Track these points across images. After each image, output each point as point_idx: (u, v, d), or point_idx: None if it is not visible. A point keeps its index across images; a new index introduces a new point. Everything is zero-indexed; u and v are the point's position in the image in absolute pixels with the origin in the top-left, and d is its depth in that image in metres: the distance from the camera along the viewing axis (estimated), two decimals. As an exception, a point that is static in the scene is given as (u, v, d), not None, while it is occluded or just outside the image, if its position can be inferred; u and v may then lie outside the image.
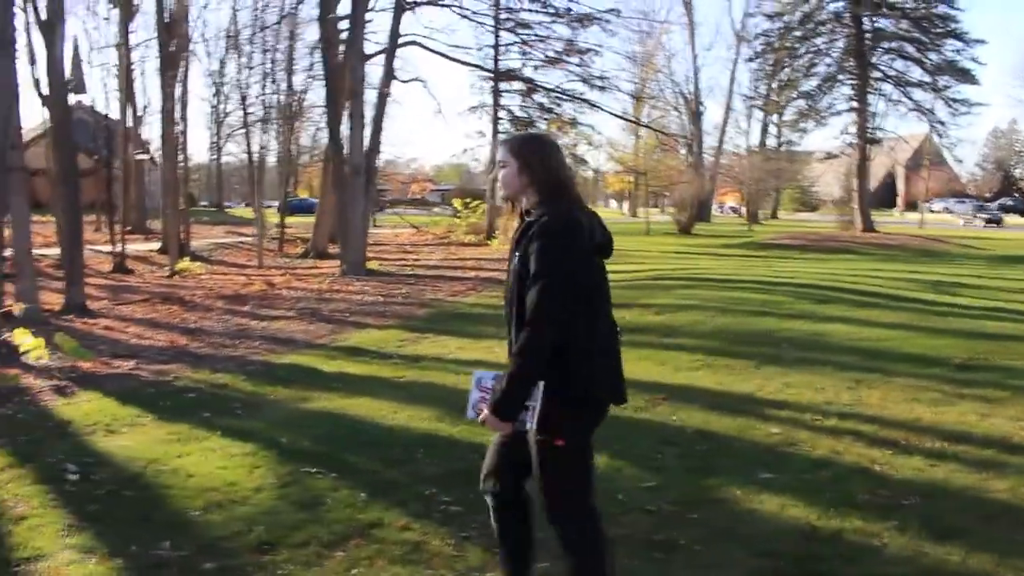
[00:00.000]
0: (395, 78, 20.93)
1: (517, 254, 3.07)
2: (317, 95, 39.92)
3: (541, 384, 2.99)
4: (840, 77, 36.48)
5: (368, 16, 20.87)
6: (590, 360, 3.06)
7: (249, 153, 44.37)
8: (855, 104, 37.08)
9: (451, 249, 29.07)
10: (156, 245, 31.17)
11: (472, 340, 10.72)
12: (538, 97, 30.60)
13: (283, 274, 21.52)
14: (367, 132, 20.42)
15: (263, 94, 37.19)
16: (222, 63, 48.65)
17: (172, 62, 29.39)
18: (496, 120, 31.32)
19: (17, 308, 11.06)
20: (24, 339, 9.18)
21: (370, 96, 21.72)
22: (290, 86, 32.17)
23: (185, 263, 24.63)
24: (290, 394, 7.79)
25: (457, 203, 34.00)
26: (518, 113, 31.07)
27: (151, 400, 7.61)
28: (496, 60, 29.87)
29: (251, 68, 43.20)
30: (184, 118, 30.27)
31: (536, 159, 3.16)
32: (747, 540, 4.40)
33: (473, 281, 18.15)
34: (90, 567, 4.07)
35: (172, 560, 4.15)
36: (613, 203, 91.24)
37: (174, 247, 25.32)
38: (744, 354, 9.30)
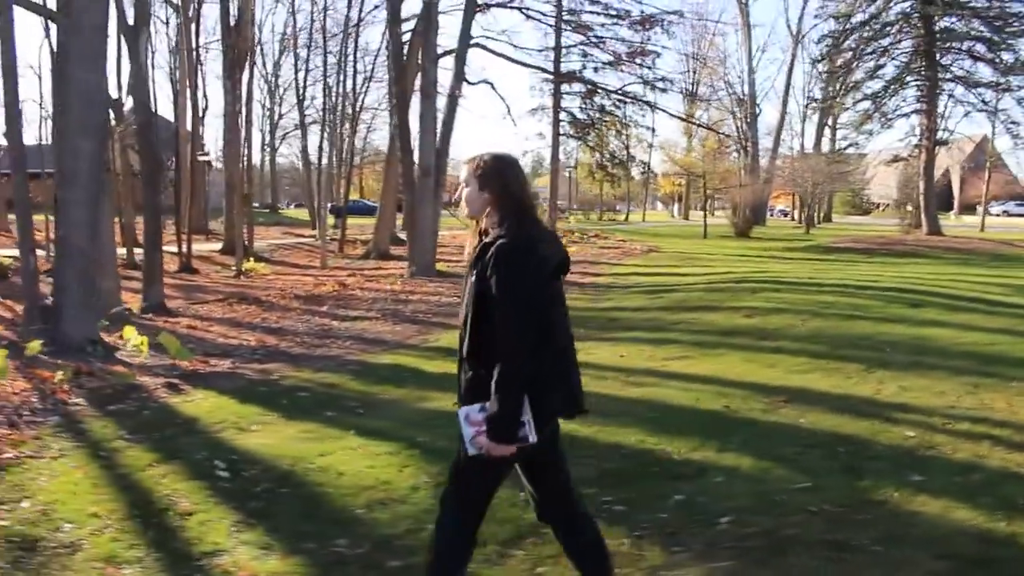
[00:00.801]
0: (465, 80, 20.96)
1: (475, 272, 3.09)
2: (370, 97, 40.43)
3: (527, 398, 3.04)
4: (907, 78, 35.90)
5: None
6: (548, 379, 3.12)
7: (305, 154, 44.92)
8: (922, 105, 36.42)
9: (512, 251, 29.03)
10: (216, 245, 31.57)
11: (566, 341, 10.66)
12: (599, 99, 30.49)
13: (351, 275, 21.67)
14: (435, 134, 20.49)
15: (319, 96, 37.60)
16: (276, 65, 49.21)
17: (237, 65, 29.75)
18: (557, 122, 31.26)
19: (135, 306, 11.24)
20: (131, 337, 9.31)
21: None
22: (353, 88, 32.35)
23: (251, 263, 24.94)
24: (405, 394, 7.82)
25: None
26: (578, 115, 31.01)
27: (268, 399, 7.68)
28: (557, 62, 29.79)
29: (308, 71, 43.75)
30: (248, 120, 30.48)
31: (495, 179, 3.17)
32: (921, 542, 4.32)
33: (547, 283, 18.09)
34: (272, 563, 4.09)
35: (352, 557, 4.16)
36: (660, 206, 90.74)
37: (240, 248, 25.60)
38: (851, 358, 9.17)
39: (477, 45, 24.79)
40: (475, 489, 3.29)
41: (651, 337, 10.76)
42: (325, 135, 38.26)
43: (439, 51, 23.06)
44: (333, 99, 34.07)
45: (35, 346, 8.70)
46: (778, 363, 8.94)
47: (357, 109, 38.44)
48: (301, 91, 44.10)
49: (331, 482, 5.18)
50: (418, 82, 21.56)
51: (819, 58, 38.87)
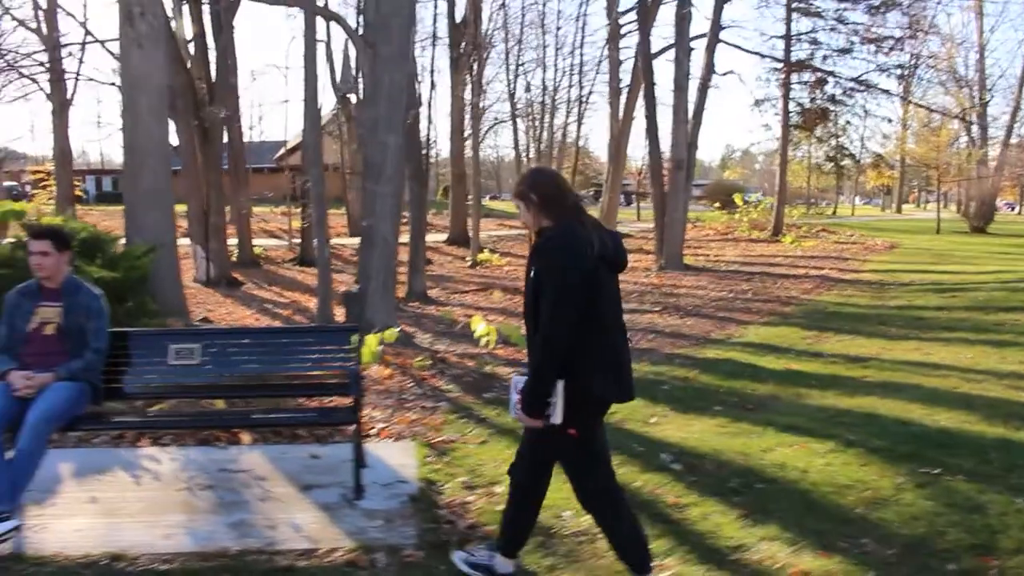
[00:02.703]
0: (714, 71, 20.62)
1: (533, 268, 3.48)
2: (565, 92, 40.61)
3: (561, 383, 3.39)
4: None
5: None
6: (591, 365, 3.43)
7: (516, 147, 45.47)
8: None
9: (742, 245, 28.51)
10: (435, 236, 32.33)
11: (888, 341, 10.29)
12: (829, 88, 29.43)
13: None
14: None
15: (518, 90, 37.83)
16: (481, 60, 50.02)
17: (462, 61, 30.40)
18: (787, 113, 30.34)
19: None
20: (479, 326, 9.57)
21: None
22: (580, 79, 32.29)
23: (485, 254, 25.45)
24: (773, 389, 7.68)
25: (738, 199, 33.49)
26: (807, 105, 29.98)
27: (639, 390, 7.27)
28: (788, 51, 28.93)
29: (521, 64, 44.34)
30: (477, 116, 31.04)
31: (530, 193, 3.57)
32: None
33: (815, 279, 17.60)
34: (809, 559, 4.02)
35: (888, 558, 4.05)
36: (856, 199, 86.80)
37: (475, 239, 26.21)
38: None
39: (702, 36, 24.38)
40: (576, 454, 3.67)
41: (982, 339, 10.22)
42: (523, 129, 38.86)
43: (662, 44, 22.83)
44: (535, 92, 34.11)
45: (391, 334, 9.04)
46: None
47: (561, 101, 38.59)
48: (511, 84, 44.66)
49: (802, 479, 5.09)
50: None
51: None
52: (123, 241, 10.95)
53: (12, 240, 9.35)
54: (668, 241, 20.03)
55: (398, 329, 9.42)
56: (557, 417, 3.44)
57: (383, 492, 5.03)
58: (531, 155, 46.58)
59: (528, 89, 53.85)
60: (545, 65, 45.89)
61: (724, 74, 22.35)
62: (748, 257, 23.96)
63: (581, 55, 66.34)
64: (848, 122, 31.05)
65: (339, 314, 12.54)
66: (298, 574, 3.97)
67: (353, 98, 33.33)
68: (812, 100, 29.59)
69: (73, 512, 4.75)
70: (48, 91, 27.37)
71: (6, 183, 39.43)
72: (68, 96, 27.39)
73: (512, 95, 41.98)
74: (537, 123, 47.74)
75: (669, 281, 17.63)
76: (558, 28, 36.12)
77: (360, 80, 33.36)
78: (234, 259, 23.56)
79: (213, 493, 5.04)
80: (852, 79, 27.86)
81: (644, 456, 5.61)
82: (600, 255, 3.43)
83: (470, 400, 7.43)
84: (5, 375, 4.73)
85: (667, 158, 20.79)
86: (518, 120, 43.84)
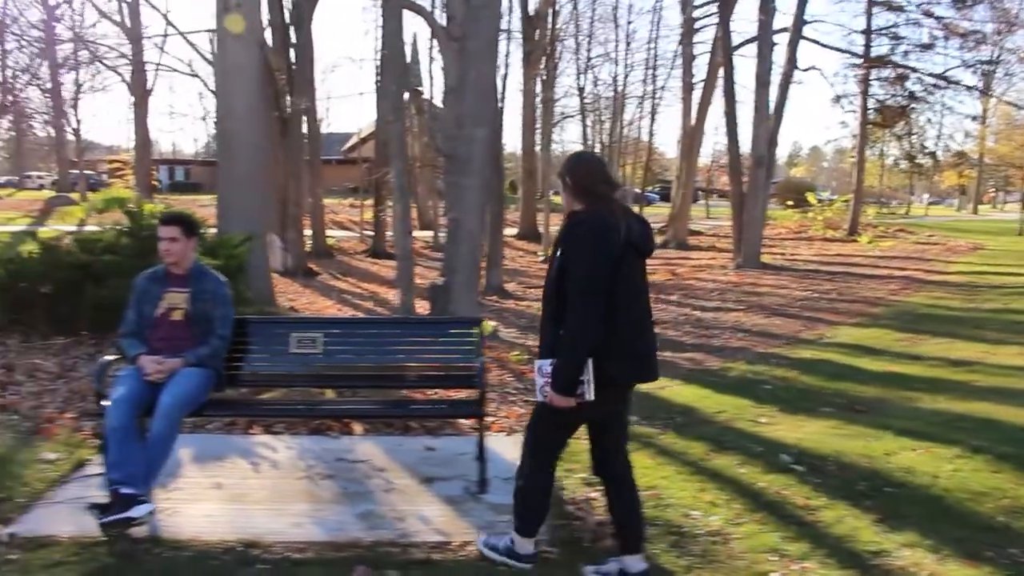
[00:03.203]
0: (796, 67, 20.28)
1: (560, 249, 3.56)
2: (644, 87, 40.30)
3: (591, 361, 3.44)
4: None
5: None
6: (610, 348, 3.47)
7: (584, 140, 45.40)
8: None
9: (816, 244, 28.07)
10: (506, 230, 32.37)
11: (989, 345, 10.02)
12: (909, 84, 28.67)
13: (666, 263, 21.51)
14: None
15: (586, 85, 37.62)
16: (551, 53, 49.93)
17: (535, 56, 30.34)
18: (865, 110, 29.68)
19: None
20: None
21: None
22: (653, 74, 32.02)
23: (547, 250, 25.42)
24: (880, 392, 7.53)
25: (811, 197, 33.04)
26: (887, 102, 29.25)
27: (741, 389, 7.66)
28: (868, 47, 28.29)
29: (590, 59, 44.20)
30: (550, 111, 31.02)
31: (566, 174, 3.66)
32: None
33: (900, 280, 17.23)
34: (956, 568, 3.91)
35: (1039, 572, 3.92)
36: (925, 197, 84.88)
37: (546, 233, 26.25)
38: None
39: (783, 30, 23.98)
40: (548, 435, 3.77)
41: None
42: (590, 124, 38.68)
43: (739, 39, 22.52)
44: (602, 87, 33.93)
45: (487, 328, 9.04)
46: None
47: (631, 96, 38.35)
48: (581, 79, 44.64)
49: (933, 484, 4.94)
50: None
51: None
52: (213, 230, 11.12)
53: (118, 226, 9.52)
54: (746, 239, 19.79)
55: (493, 323, 9.39)
56: (590, 394, 3.47)
57: (505, 486, 4.99)
58: (597, 150, 46.49)
59: (596, 84, 53.70)
60: (616, 60, 45.63)
61: (806, 70, 22.06)
62: (825, 257, 23.56)
63: (655, 50, 65.99)
64: (929, 120, 30.19)
65: (420, 306, 12.57)
66: (435, 567, 3.96)
67: (426, 91, 33.55)
68: (891, 96, 28.90)
69: (199, 497, 4.80)
70: (129, 82, 27.95)
71: (84, 172, 40.35)
72: (148, 87, 27.91)
73: (581, 90, 41.90)
74: (604, 118, 47.63)
75: (748, 280, 17.39)
76: (629, 23, 35.77)
77: (428, 73, 33.48)
78: (308, 249, 23.82)
79: (334, 483, 5.06)
80: (934, 75, 27.14)
81: (764, 456, 5.52)
82: (627, 241, 3.50)
83: (571, 395, 7.38)
84: (135, 359, 4.80)
85: (745, 155, 20.53)
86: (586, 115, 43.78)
